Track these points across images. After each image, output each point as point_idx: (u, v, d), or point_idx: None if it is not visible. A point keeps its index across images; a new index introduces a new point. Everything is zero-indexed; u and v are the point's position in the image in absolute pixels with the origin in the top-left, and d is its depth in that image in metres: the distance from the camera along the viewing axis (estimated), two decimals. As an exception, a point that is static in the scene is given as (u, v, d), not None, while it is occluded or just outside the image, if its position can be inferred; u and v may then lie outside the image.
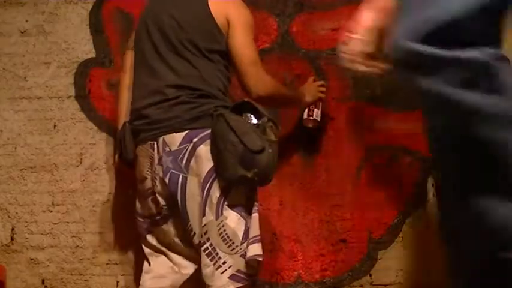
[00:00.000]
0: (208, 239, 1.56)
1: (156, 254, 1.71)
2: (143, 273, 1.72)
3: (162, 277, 1.68)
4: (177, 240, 1.68)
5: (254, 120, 1.58)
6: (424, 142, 2.11)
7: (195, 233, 1.60)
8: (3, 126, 2.18)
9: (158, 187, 1.63)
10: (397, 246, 2.04)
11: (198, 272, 1.67)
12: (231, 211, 1.57)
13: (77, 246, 2.09)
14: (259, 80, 1.68)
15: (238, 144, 1.50)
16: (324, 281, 2.03)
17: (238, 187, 1.59)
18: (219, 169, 1.54)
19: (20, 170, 2.14)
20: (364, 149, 2.10)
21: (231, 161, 1.51)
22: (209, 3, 1.67)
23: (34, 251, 2.09)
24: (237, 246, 1.56)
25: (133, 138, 1.68)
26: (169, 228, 1.67)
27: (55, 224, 2.10)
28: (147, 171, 1.66)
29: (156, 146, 1.62)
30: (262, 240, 1.62)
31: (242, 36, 1.67)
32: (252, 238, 1.60)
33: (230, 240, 1.56)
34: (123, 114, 1.78)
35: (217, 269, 1.55)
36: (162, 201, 1.65)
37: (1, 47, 2.24)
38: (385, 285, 2.03)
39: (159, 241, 1.70)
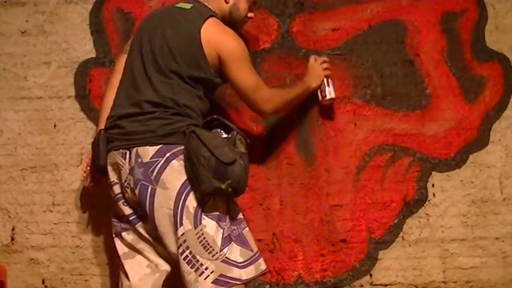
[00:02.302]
0: (187, 247, 1.59)
1: (131, 253, 1.74)
2: (122, 279, 1.76)
3: (142, 281, 1.72)
4: (152, 238, 1.72)
5: (224, 135, 1.66)
6: (424, 142, 2.14)
7: (165, 243, 1.65)
8: (4, 126, 2.18)
9: (129, 195, 1.68)
10: (397, 246, 2.04)
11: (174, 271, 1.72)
12: (209, 219, 1.61)
13: (77, 246, 2.09)
14: (264, 102, 1.81)
15: (211, 157, 1.56)
16: (324, 281, 2.03)
17: (216, 199, 1.64)
18: (194, 183, 1.59)
19: (21, 170, 2.14)
20: (364, 149, 2.10)
21: (205, 174, 1.56)
22: (201, 33, 1.70)
23: (34, 251, 2.09)
24: (217, 253, 1.60)
25: (107, 145, 1.73)
26: (143, 228, 1.72)
27: (55, 224, 2.10)
28: (116, 177, 1.72)
29: (128, 155, 1.67)
30: (261, 247, 1.71)
31: (236, 70, 1.74)
32: (253, 257, 1.67)
33: (210, 247, 1.60)
34: (105, 116, 1.81)
35: (200, 275, 1.58)
36: (133, 205, 1.71)
37: (1, 47, 2.24)
38: (385, 285, 2.03)
39: (134, 239, 1.74)
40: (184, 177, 1.61)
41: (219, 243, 1.61)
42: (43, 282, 2.08)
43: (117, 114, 1.73)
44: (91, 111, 2.16)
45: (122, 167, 1.68)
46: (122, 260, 1.75)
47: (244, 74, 1.75)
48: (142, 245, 1.73)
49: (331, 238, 2.05)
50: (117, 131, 1.71)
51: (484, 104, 2.12)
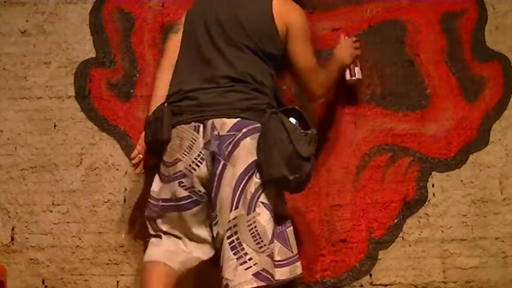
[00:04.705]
0: (236, 232, 1.52)
1: (166, 235, 1.66)
2: (150, 246, 1.66)
3: (173, 253, 1.62)
4: (194, 228, 1.63)
5: (300, 129, 1.60)
6: (424, 142, 2.13)
7: (217, 222, 1.56)
8: (4, 126, 2.18)
9: (201, 171, 1.58)
10: (397, 246, 2.04)
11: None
12: (264, 209, 1.54)
13: (77, 246, 2.09)
14: (319, 86, 1.78)
15: (289, 145, 1.52)
16: (324, 281, 2.03)
17: (271, 189, 1.58)
18: (263, 165, 1.52)
19: (20, 170, 2.14)
20: (364, 149, 2.10)
21: (278, 160, 1.50)
22: (273, 7, 1.67)
23: (34, 251, 2.09)
24: (265, 245, 1.53)
25: (172, 119, 1.62)
26: (191, 215, 1.62)
27: (55, 224, 2.10)
28: (183, 153, 1.60)
29: (201, 128, 1.58)
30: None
31: (301, 46, 1.70)
32: (291, 258, 1.62)
33: (260, 238, 1.52)
34: (160, 95, 1.71)
35: (241, 264, 1.50)
36: (198, 186, 1.60)
37: (1, 47, 2.24)
38: (385, 285, 2.03)
39: (171, 226, 1.65)
40: (252, 159, 1.54)
41: (269, 235, 1.54)
42: (43, 282, 2.08)
43: (188, 89, 1.62)
44: (91, 111, 2.16)
45: (195, 141, 1.58)
46: (157, 233, 1.66)
47: (307, 52, 1.71)
48: (179, 232, 1.64)
49: (331, 238, 2.05)
50: (188, 102, 1.60)
51: (484, 104, 2.12)
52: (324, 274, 2.03)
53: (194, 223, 1.63)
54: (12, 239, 2.11)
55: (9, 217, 2.12)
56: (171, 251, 1.62)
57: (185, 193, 1.61)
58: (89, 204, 2.11)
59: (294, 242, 1.65)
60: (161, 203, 1.64)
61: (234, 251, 1.51)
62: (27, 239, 2.10)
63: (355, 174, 2.09)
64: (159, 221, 1.65)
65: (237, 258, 1.50)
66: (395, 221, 2.06)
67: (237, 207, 1.52)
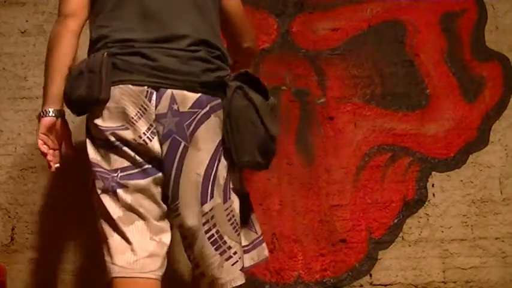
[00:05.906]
0: (214, 225, 1.35)
1: (128, 217, 1.34)
2: (119, 253, 1.32)
3: (153, 257, 1.32)
4: (157, 197, 1.37)
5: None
6: (424, 142, 2.13)
7: (183, 215, 1.34)
8: (4, 126, 2.18)
9: (154, 146, 1.33)
10: (397, 246, 2.04)
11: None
12: (235, 195, 1.40)
13: (77, 246, 2.09)
14: (252, 32, 1.69)
15: (260, 125, 1.34)
16: (324, 281, 2.03)
17: (237, 171, 1.42)
18: (233, 150, 1.35)
19: (20, 170, 2.14)
20: (364, 149, 2.10)
21: (250, 145, 1.34)
22: None
23: (34, 251, 2.09)
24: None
25: (117, 75, 1.33)
26: (147, 185, 1.35)
27: (55, 224, 2.10)
28: (131, 122, 1.32)
29: (154, 96, 1.32)
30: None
31: None
32: (256, 239, 1.49)
33: (239, 227, 1.38)
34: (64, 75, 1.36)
35: (226, 259, 1.36)
36: (147, 160, 1.35)
37: (1, 47, 2.24)
38: (385, 285, 2.03)
39: (133, 199, 1.34)
40: (218, 139, 1.35)
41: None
42: (43, 282, 2.08)
43: (139, 44, 1.33)
44: (91, 111, 2.16)
45: (145, 110, 1.31)
46: (117, 223, 1.33)
47: (240, 1, 1.58)
48: (144, 210, 1.34)
49: (331, 238, 2.05)
50: (142, 61, 1.32)
51: (484, 104, 2.12)
52: (324, 274, 2.03)
53: (158, 194, 1.37)
54: (12, 239, 2.11)
55: (9, 217, 2.12)
56: (151, 255, 1.33)
57: (137, 161, 1.35)
58: (89, 204, 2.10)
59: (257, 222, 1.49)
60: (120, 173, 1.34)
61: (215, 246, 1.35)
62: (27, 239, 2.10)
63: (355, 174, 2.09)
64: (120, 191, 1.34)
65: (220, 254, 1.35)
66: (395, 221, 2.06)
67: (212, 197, 1.34)
